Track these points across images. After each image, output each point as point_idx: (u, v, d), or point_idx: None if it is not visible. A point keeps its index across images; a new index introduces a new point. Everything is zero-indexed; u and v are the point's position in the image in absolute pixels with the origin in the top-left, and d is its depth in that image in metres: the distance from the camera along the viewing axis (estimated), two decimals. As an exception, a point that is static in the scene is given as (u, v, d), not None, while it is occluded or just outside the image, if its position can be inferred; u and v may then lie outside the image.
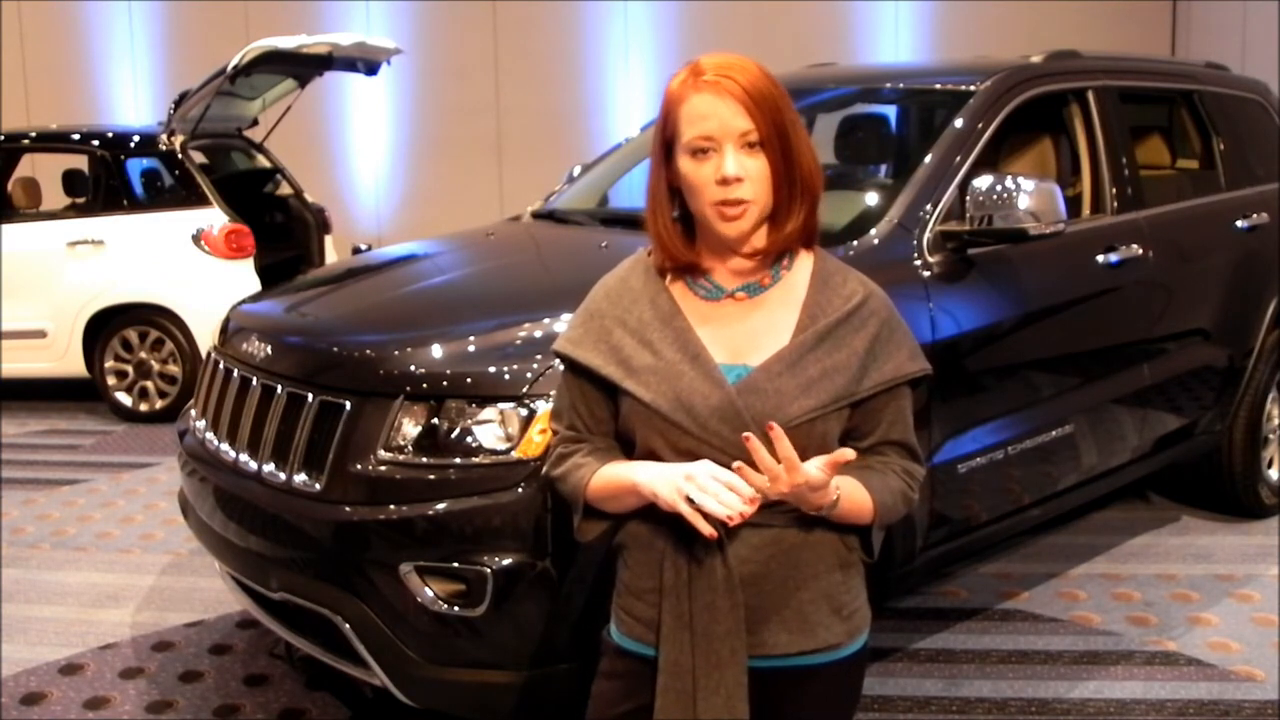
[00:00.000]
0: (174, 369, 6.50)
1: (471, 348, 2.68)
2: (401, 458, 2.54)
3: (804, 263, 1.73)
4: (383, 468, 2.54)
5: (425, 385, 2.58)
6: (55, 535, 4.65)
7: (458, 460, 2.51)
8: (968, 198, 3.12)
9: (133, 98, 10.70)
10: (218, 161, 7.52)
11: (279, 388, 2.80)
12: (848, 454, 1.56)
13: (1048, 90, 3.70)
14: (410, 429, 2.56)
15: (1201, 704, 3.11)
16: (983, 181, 3.10)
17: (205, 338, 5.62)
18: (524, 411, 2.50)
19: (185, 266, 6.41)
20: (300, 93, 7.36)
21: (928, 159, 3.31)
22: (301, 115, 7.78)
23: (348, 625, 2.59)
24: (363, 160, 10.37)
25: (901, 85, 4.06)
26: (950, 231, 3.15)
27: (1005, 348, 3.31)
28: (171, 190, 6.69)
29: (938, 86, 3.82)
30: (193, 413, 3.27)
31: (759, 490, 1.55)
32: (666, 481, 1.59)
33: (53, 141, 7.19)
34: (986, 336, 3.23)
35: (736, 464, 1.55)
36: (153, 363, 6.53)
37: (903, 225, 3.14)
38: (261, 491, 2.76)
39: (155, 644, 3.62)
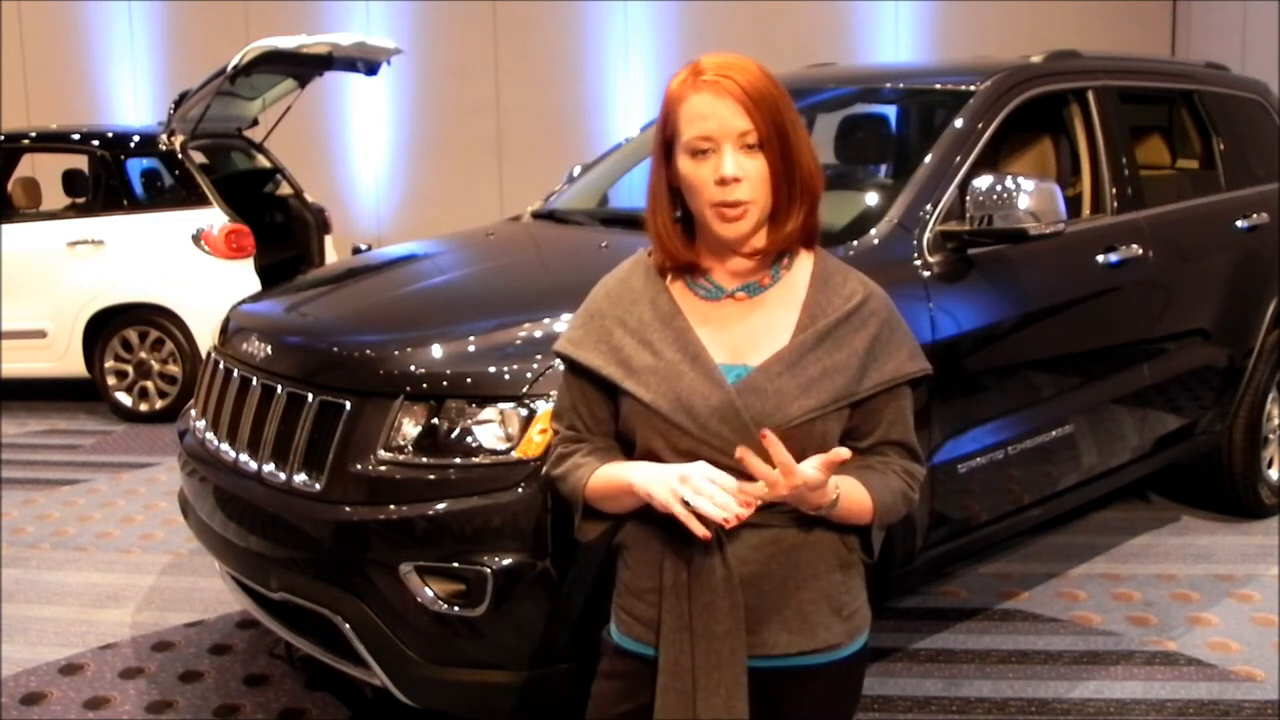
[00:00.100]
0: (174, 369, 6.50)
1: (471, 348, 2.68)
2: (401, 458, 2.54)
3: (804, 263, 1.73)
4: (383, 468, 2.54)
5: (425, 385, 2.58)
6: (55, 535, 4.65)
7: (458, 460, 2.51)
8: (968, 198, 3.12)
9: (133, 98, 10.71)
10: (218, 161, 7.52)
11: (279, 388, 2.80)
12: (843, 453, 1.56)
13: (1048, 90, 3.70)
14: (410, 429, 2.56)
15: (1201, 704, 3.11)
16: (983, 181, 3.10)
17: (205, 338, 5.62)
18: (524, 411, 2.50)
19: (185, 266, 6.41)
20: (300, 93, 7.36)
21: (928, 159, 3.31)
22: (301, 115, 7.79)
23: (348, 625, 2.59)
24: (363, 160, 10.37)
25: (901, 85, 4.06)
26: (950, 231, 3.15)
27: (1005, 348, 3.31)
28: (171, 190, 6.69)
29: (938, 86, 3.82)
30: (193, 413, 3.27)
31: (758, 497, 1.55)
32: (661, 483, 1.59)
33: (53, 141, 7.19)
34: (986, 336, 3.23)
35: (739, 452, 1.54)
36: (153, 363, 6.53)
37: (903, 225, 3.14)
38: (261, 491, 2.76)
39: (155, 644, 3.62)
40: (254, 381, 2.90)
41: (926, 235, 3.13)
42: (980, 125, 3.39)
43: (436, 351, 2.66)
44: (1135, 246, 3.71)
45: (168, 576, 4.18)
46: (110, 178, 6.64)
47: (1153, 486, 4.70)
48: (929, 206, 3.18)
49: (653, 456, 1.67)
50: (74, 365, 6.62)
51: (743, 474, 1.57)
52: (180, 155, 6.54)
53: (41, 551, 4.47)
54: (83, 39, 10.73)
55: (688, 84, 1.64)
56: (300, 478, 2.67)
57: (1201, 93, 4.44)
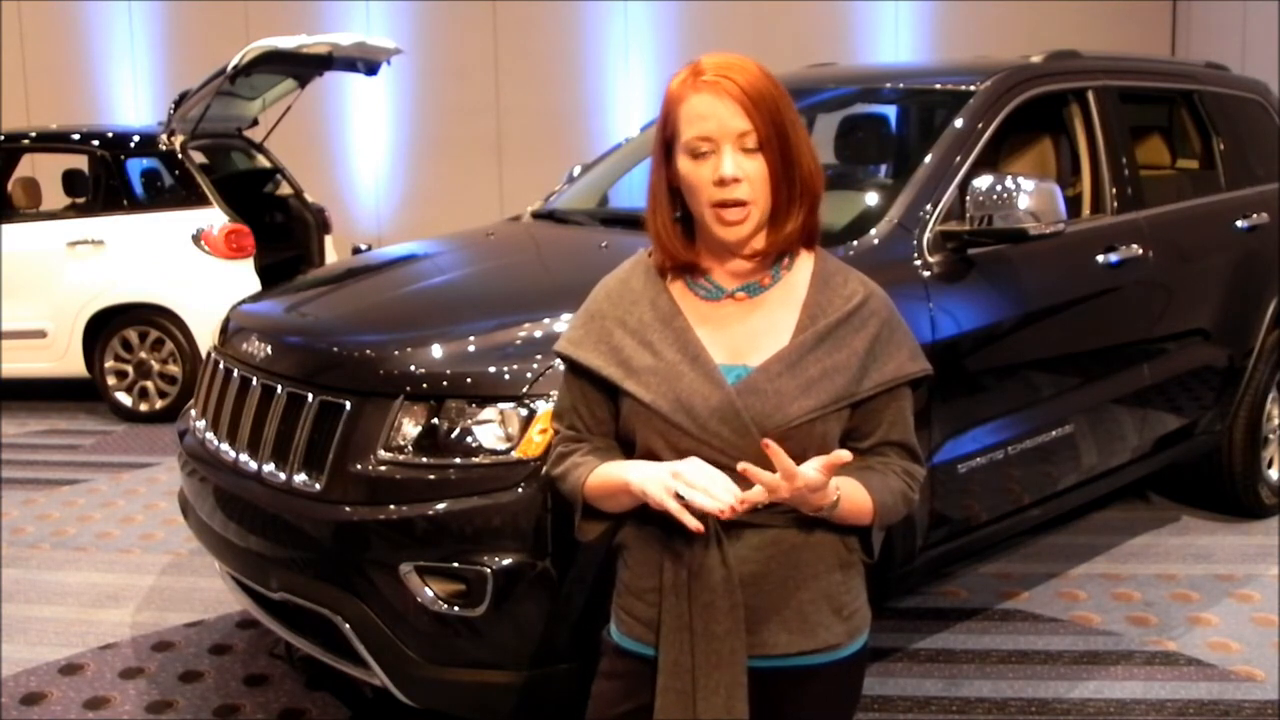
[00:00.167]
0: (174, 369, 6.50)
1: (471, 348, 2.68)
2: (401, 458, 2.54)
3: (804, 263, 1.73)
4: (383, 468, 2.54)
5: (425, 385, 2.58)
6: (55, 535, 4.65)
7: (458, 460, 2.51)
8: (968, 198, 3.12)
9: (133, 98, 10.70)
10: (218, 161, 7.52)
11: (279, 388, 2.80)
12: (844, 455, 1.56)
13: (1048, 90, 3.70)
14: (410, 429, 2.56)
15: (1201, 704, 3.11)
16: (983, 181, 3.10)
17: (205, 338, 5.62)
18: (524, 411, 2.50)
19: (185, 266, 6.41)
20: (300, 93, 7.36)
21: (928, 159, 3.31)
22: (301, 115, 7.78)
23: (348, 625, 2.59)
24: (363, 160, 10.37)
25: (901, 85, 4.06)
26: (950, 231, 3.15)
27: (1005, 348, 3.31)
28: (171, 190, 6.69)
29: (938, 86, 3.82)
30: (193, 413, 3.27)
31: (756, 501, 1.55)
32: (655, 480, 1.59)
33: (53, 141, 7.19)
34: (986, 336, 3.22)
35: (741, 466, 1.54)
36: (153, 363, 6.53)
37: (903, 225, 3.14)
38: (261, 491, 2.76)
39: (155, 644, 3.62)
40: (254, 381, 2.90)
41: (926, 235, 3.13)
42: (980, 125, 3.39)
43: (436, 351, 2.66)
44: (1135, 246, 3.71)
45: (168, 576, 4.18)
46: (110, 178, 6.64)
47: (1153, 486, 4.70)
48: (929, 206, 3.18)
49: (653, 457, 1.67)
50: (74, 365, 6.62)
51: (740, 475, 1.57)
52: (180, 155, 6.54)
53: (41, 551, 4.47)
54: (83, 39, 10.73)
55: (688, 84, 1.64)
56: (300, 478, 2.67)
57: (1201, 93, 4.44)
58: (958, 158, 3.30)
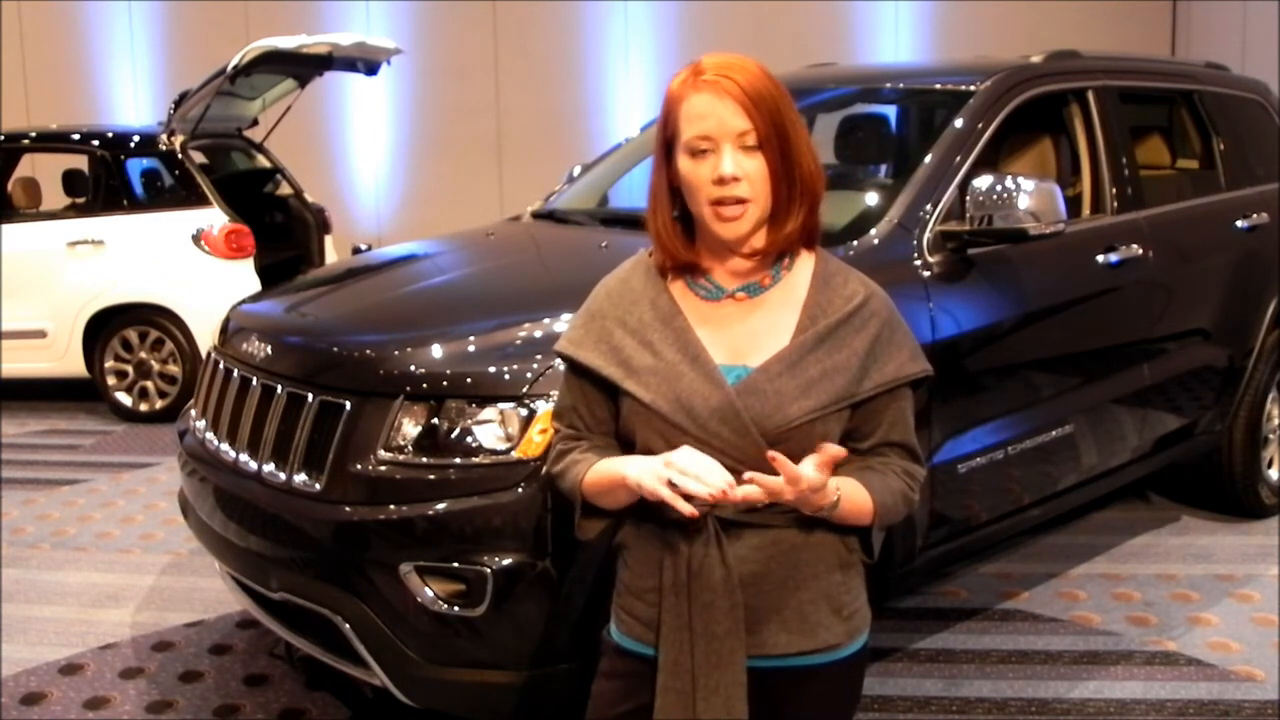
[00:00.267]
0: (174, 369, 6.50)
1: (471, 348, 2.68)
2: (401, 458, 2.54)
3: (805, 263, 1.73)
4: (383, 468, 2.54)
5: (425, 385, 2.58)
6: (55, 535, 4.65)
7: (458, 460, 2.51)
8: (968, 198, 3.12)
9: (133, 98, 10.71)
10: (218, 161, 7.52)
11: (279, 388, 2.80)
12: (837, 450, 1.56)
13: (1048, 90, 3.70)
14: (410, 429, 2.56)
15: (1201, 704, 3.11)
16: (983, 181, 3.10)
17: (205, 338, 5.62)
18: (524, 411, 2.50)
19: (185, 266, 6.41)
20: (300, 93, 7.36)
21: (928, 159, 3.31)
22: (301, 115, 7.78)
23: (348, 625, 2.59)
24: (363, 160, 10.37)
25: (901, 85, 4.06)
26: (950, 231, 3.15)
27: (1005, 348, 3.31)
28: (171, 190, 6.69)
29: (938, 86, 3.82)
30: (193, 413, 3.27)
31: (753, 500, 1.55)
32: (649, 470, 1.59)
33: (53, 141, 7.19)
34: (986, 336, 3.22)
35: (747, 476, 1.54)
36: (153, 363, 6.53)
37: (903, 225, 3.14)
38: (261, 491, 2.76)
39: (155, 644, 3.62)
40: (254, 381, 2.90)
41: (926, 235, 3.13)
42: (980, 125, 3.39)
43: (436, 351, 2.66)
44: (1135, 246, 3.71)
45: (168, 576, 4.18)
46: (110, 178, 6.64)
47: (1153, 486, 4.70)
48: (929, 206, 3.18)
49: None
50: (74, 365, 6.62)
51: (736, 472, 1.57)
52: (180, 155, 6.54)
53: (41, 551, 4.47)
54: (83, 39, 10.73)
55: (688, 84, 1.64)
56: (300, 478, 2.67)
57: (1201, 93, 4.44)
58: (958, 158, 3.30)
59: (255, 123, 7.54)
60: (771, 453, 1.53)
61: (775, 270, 1.71)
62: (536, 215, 4.04)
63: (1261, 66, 6.90)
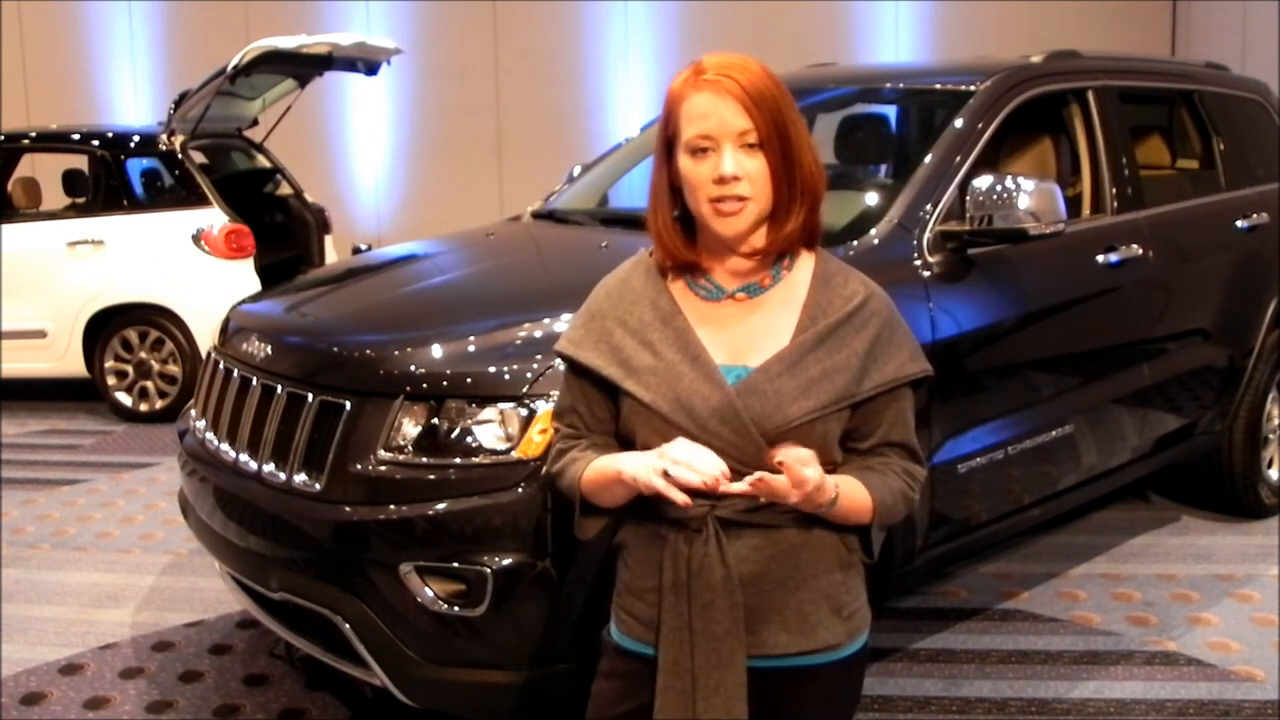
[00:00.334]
0: (174, 369, 6.50)
1: (471, 348, 2.68)
2: (401, 458, 2.54)
3: (805, 263, 1.73)
4: (383, 468, 2.54)
5: (425, 385, 2.58)
6: (55, 535, 4.65)
7: (458, 460, 2.51)
8: (968, 198, 3.12)
9: (133, 98, 10.70)
10: (218, 161, 7.52)
11: (279, 388, 2.80)
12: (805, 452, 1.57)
13: (1048, 90, 3.70)
14: (410, 429, 2.56)
15: (1201, 704, 3.11)
16: (983, 181, 3.10)
17: (205, 338, 5.62)
18: (524, 411, 2.50)
19: (185, 266, 6.41)
20: (300, 93, 7.36)
21: (928, 159, 3.31)
22: (301, 115, 7.78)
23: (348, 625, 2.59)
24: (363, 160, 10.37)
25: (901, 85, 4.06)
26: (950, 231, 3.15)
27: (1005, 348, 3.31)
28: (171, 190, 6.69)
29: (938, 86, 3.82)
30: (193, 413, 3.27)
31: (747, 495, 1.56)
32: (644, 464, 1.59)
33: (53, 141, 7.19)
34: (986, 336, 3.22)
35: (757, 478, 1.54)
36: (153, 363, 6.53)
37: (903, 225, 3.13)
38: (261, 491, 2.76)
39: (155, 644, 3.62)
40: (254, 381, 2.90)
41: (926, 235, 3.13)
42: (980, 125, 3.39)
43: (436, 351, 2.66)
44: (1135, 246, 3.71)
45: (168, 576, 4.18)
46: (110, 178, 6.64)
47: (1153, 486, 4.70)
48: (929, 206, 3.18)
49: (653, 457, 1.67)
50: (74, 365, 6.62)
51: (737, 473, 1.57)
52: (180, 155, 6.54)
53: (41, 551, 4.47)
54: (83, 39, 10.73)
55: (689, 83, 1.64)
56: (300, 478, 2.67)
57: (1201, 93, 4.44)
58: (958, 158, 3.30)
59: (255, 123, 7.54)
60: (779, 457, 1.53)
61: (775, 270, 1.71)
62: (536, 215, 4.04)
63: (1261, 66, 6.90)
